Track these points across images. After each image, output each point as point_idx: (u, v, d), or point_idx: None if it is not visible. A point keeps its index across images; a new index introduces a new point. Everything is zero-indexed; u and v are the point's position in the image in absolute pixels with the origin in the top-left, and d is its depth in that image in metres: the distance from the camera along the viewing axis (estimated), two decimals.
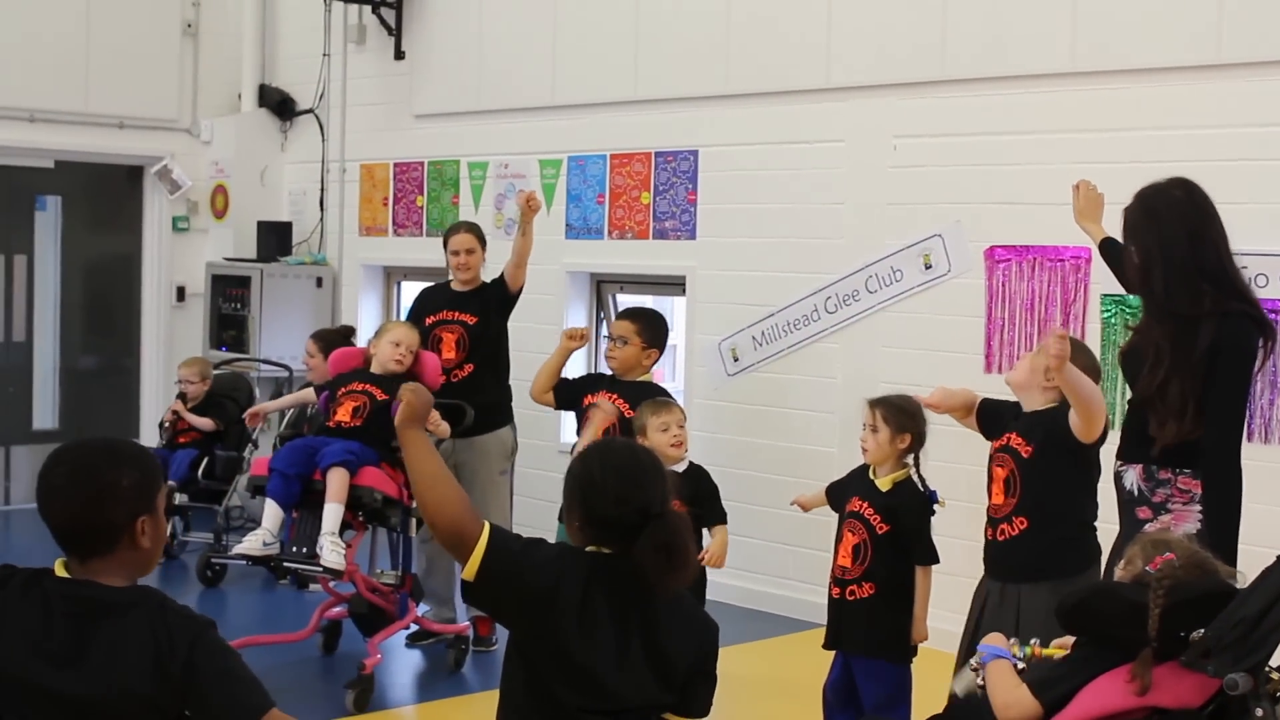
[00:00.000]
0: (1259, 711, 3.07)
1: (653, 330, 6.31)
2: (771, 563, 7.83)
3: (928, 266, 7.36)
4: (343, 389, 6.52)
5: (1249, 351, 4.21)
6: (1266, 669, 3.12)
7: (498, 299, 7.06)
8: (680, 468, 5.65)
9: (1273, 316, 6.13)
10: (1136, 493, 4.28)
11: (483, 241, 7.15)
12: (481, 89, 9.35)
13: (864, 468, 5.27)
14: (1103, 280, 6.72)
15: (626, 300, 9.06)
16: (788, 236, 7.90)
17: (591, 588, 3.18)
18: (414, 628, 6.82)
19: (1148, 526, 4.16)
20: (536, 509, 7.82)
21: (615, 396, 6.12)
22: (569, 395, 6.45)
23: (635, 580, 3.19)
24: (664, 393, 6.29)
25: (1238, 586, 3.26)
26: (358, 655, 6.46)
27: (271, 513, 6.13)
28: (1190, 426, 4.13)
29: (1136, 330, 4.50)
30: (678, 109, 8.38)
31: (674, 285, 8.57)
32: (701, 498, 5.61)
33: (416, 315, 7.18)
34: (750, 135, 8.05)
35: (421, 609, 6.98)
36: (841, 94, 7.67)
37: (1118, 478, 4.33)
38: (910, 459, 5.20)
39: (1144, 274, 4.23)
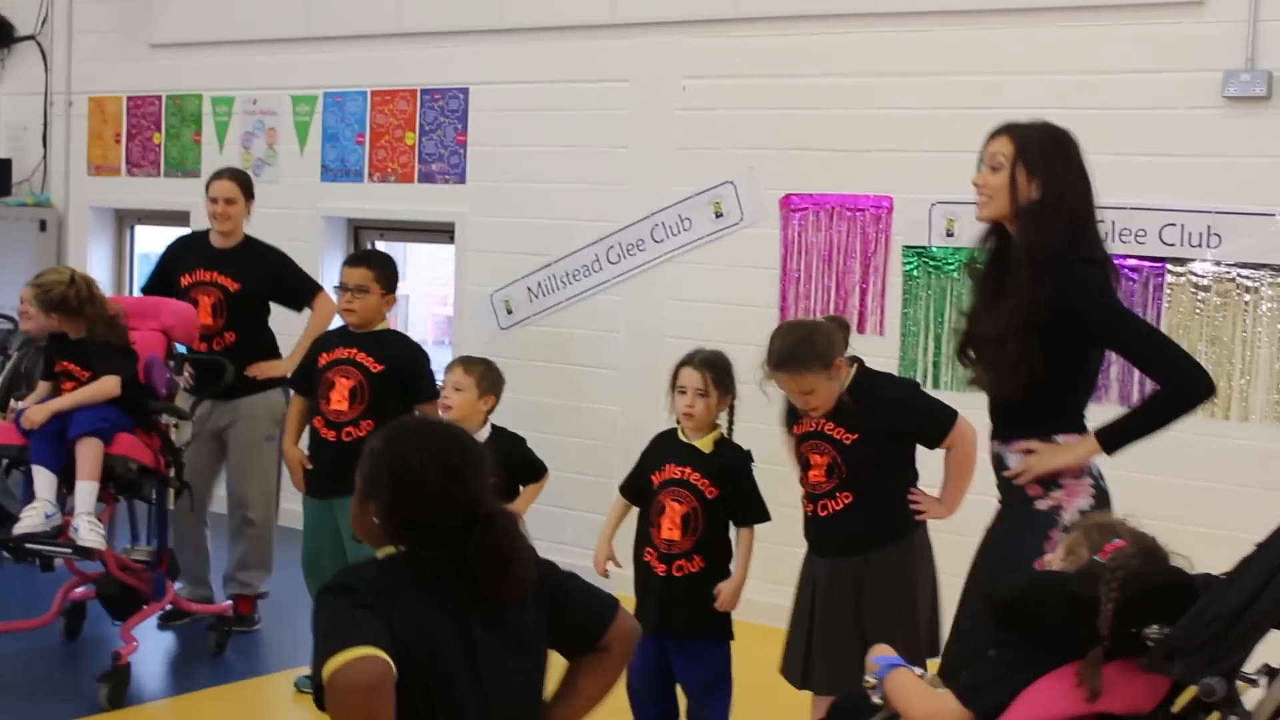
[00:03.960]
0: None
1: (391, 275, 5.73)
2: (549, 528, 7.36)
3: (718, 215, 7.00)
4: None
5: (1112, 294, 3.92)
6: (1240, 672, 2.80)
7: (273, 282, 6.45)
8: (483, 435, 5.18)
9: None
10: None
11: (247, 191, 6.45)
12: (227, 17, 8.60)
13: (671, 433, 4.88)
14: (904, 231, 6.50)
15: (399, 250, 8.49)
16: (567, 182, 7.44)
17: (440, 615, 2.72)
18: (168, 608, 6.16)
19: (1038, 504, 3.84)
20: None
21: (357, 350, 5.57)
22: (307, 377, 5.75)
23: (462, 583, 2.75)
24: (404, 340, 5.81)
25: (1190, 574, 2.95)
26: (105, 641, 5.82)
27: (44, 480, 5.44)
28: (1019, 384, 3.80)
29: (983, 276, 4.10)
30: (446, 43, 7.82)
31: (441, 232, 8.02)
32: (515, 463, 5.20)
33: (168, 270, 6.48)
34: (526, 73, 7.55)
35: (176, 586, 6.33)
36: (626, 30, 7.22)
37: (997, 460, 3.99)
38: (722, 417, 4.85)
39: (1043, 208, 3.85)
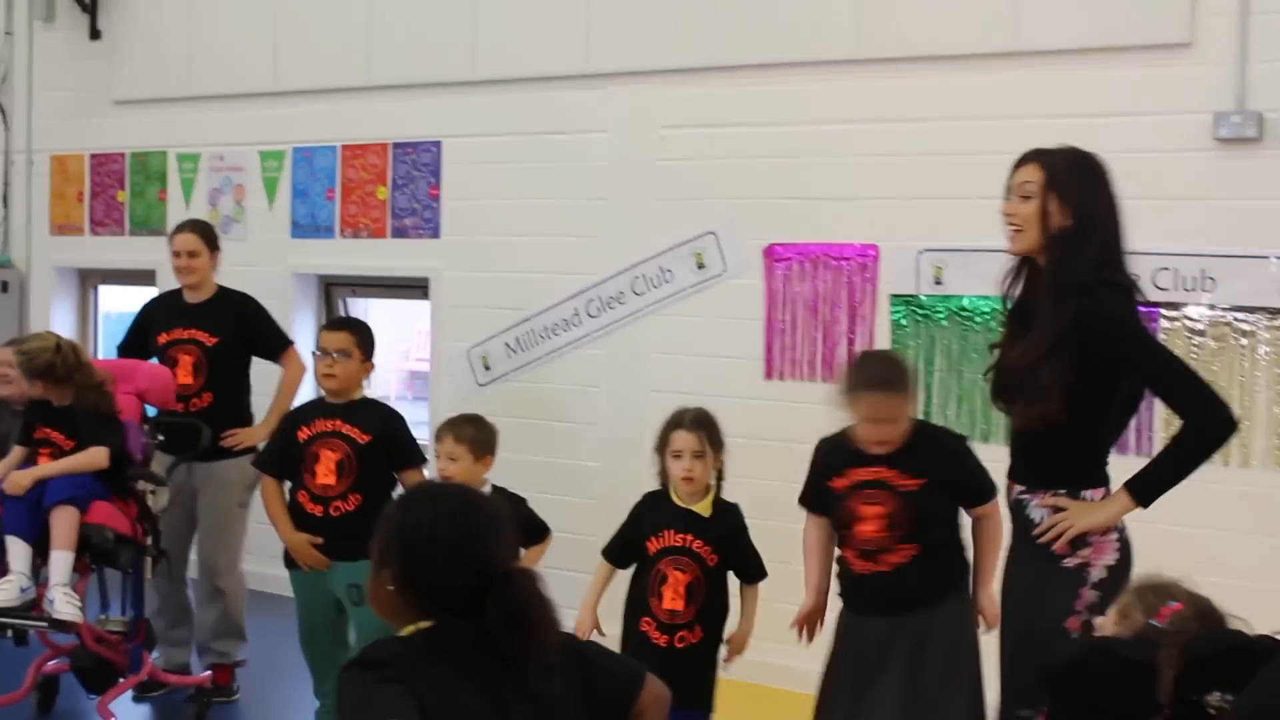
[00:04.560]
0: None
1: (369, 340, 5.59)
2: None
3: (700, 266, 6.89)
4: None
5: (1135, 318, 3.82)
6: None
7: (249, 332, 6.31)
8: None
9: None
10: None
11: (210, 242, 6.31)
12: (192, 72, 8.46)
13: (661, 496, 4.74)
14: (891, 280, 6.41)
15: (360, 306, 8.35)
16: (544, 234, 7.32)
17: (466, 694, 2.56)
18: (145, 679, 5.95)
19: (1065, 562, 3.73)
20: None
21: (341, 422, 5.40)
22: (285, 457, 5.48)
23: (488, 653, 2.59)
24: (386, 409, 5.63)
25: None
26: (79, 715, 5.66)
27: (20, 552, 5.28)
28: (1057, 408, 3.69)
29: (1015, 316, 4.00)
30: (418, 96, 7.70)
31: (415, 288, 7.88)
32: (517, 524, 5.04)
33: (143, 330, 6.32)
34: (501, 125, 7.44)
35: (152, 656, 6.14)
36: (602, 80, 7.12)
37: (1018, 507, 3.87)
38: (714, 476, 4.73)
39: (1076, 235, 3.75)
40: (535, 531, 5.22)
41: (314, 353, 5.58)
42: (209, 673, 6.21)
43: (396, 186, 7.80)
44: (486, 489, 5.11)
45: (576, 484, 7.17)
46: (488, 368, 7.52)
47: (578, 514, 6.92)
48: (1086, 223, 3.75)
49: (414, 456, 5.46)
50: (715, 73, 6.81)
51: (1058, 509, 3.75)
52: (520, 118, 7.37)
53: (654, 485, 6.83)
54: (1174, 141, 5.75)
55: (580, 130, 7.19)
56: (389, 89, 7.78)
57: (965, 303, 6.23)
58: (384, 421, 5.48)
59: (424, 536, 2.63)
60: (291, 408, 5.97)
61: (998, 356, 4.00)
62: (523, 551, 5.11)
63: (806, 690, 4.54)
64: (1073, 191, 3.78)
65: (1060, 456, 3.80)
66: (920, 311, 6.33)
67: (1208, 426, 3.72)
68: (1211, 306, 5.72)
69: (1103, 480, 3.85)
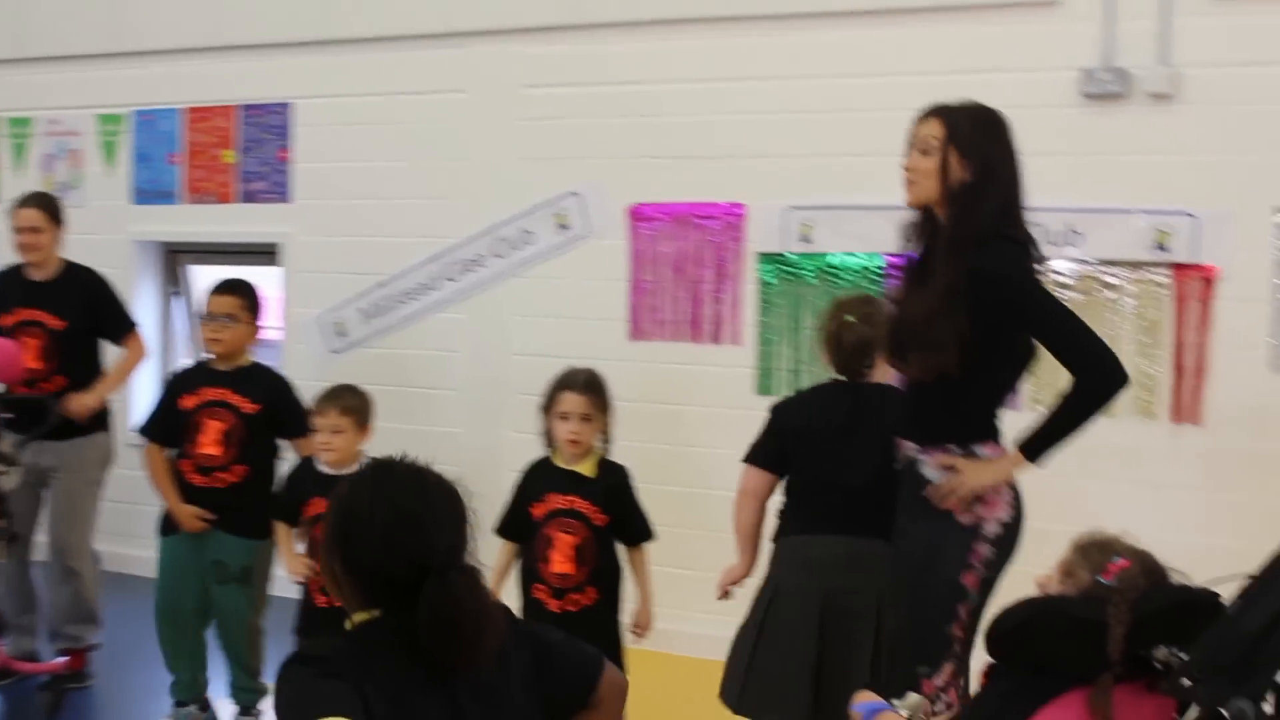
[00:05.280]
0: None
1: (257, 303, 5.42)
2: None
3: (563, 227, 6.77)
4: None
5: (1029, 272, 3.80)
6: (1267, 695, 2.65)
7: (95, 315, 5.99)
8: (349, 470, 4.87)
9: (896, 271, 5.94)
10: (941, 479, 3.79)
11: (55, 217, 5.96)
12: (22, 32, 8.07)
13: (543, 462, 4.64)
14: (758, 238, 6.36)
15: (205, 273, 8.06)
16: (401, 197, 7.14)
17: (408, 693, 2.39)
18: None
19: (960, 518, 3.69)
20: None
21: (228, 391, 5.22)
22: (168, 424, 5.30)
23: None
24: (273, 375, 5.47)
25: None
26: None
27: None
28: (953, 360, 3.66)
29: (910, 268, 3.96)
30: (266, 56, 7.45)
31: (264, 254, 7.63)
32: None
33: None
34: (355, 85, 7.22)
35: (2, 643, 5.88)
36: (461, 39, 6.95)
37: (911, 465, 3.84)
38: (600, 439, 4.64)
39: (975, 190, 3.73)
40: None
41: (201, 317, 5.37)
42: (62, 658, 5.95)
43: (244, 150, 7.55)
44: (363, 460, 4.95)
45: (439, 450, 6.86)
46: (342, 334, 7.32)
47: None
48: (986, 177, 3.73)
49: (303, 424, 5.28)
50: (578, 30, 6.69)
51: (950, 468, 3.72)
52: (376, 78, 7.17)
53: (518, 449, 6.76)
54: (1041, 97, 5.78)
55: (439, 90, 7.02)
56: (236, 49, 7.52)
57: (834, 260, 6.21)
58: (272, 390, 5.32)
59: (361, 521, 2.45)
60: (121, 388, 5.73)
61: (894, 311, 3.96)
62: None
63: (702, 655, 4.49)
64: (973, 146, 3.75)
65: (953, 410, 3.77)
66: (788, 270, 6.30)
67: (1098, 383, 3.70)
68: (1078, 260, 5.77)
69: (994, 434, 3.83)
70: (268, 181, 7.49)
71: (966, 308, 3.64)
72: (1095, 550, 2.92)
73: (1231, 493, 5.60)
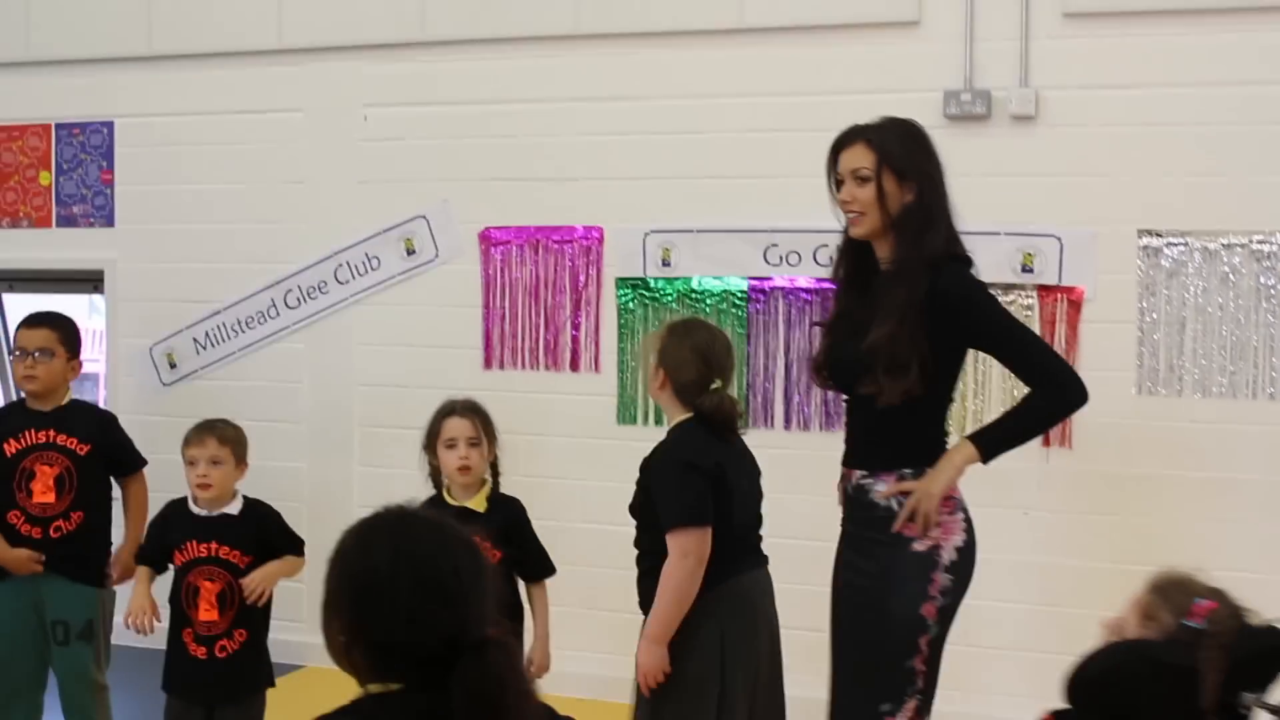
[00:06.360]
0: None
1: (75, 336, 5.01)
2: None
3: (410, 252, 6.53)
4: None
5: (984, 292, 3.73)
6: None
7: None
8: (235, 507, 4.57)
9: (808, 295, 5.86)
10: (896, 505, 3.66)
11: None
12: None
13: (435, 496, 4.42)
14: (616, 263, 6.20)
15: (21, 303, 7.60)
16: (236, 222, 6.82)
17: None
18: None
19: (915, 545, 3.59)
20: None
21: (54, 432, 4.83)
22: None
23: None
24: (98, 412, 5.16)
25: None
26: None
27: None
28: (916, 383, 3.56)
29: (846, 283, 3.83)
30: (85, 72, 7.05)
31: (86, 281, 7.23)
32: (273, 537, 4.61)
33: None
34: (183, 104, 6.87)
35: None
36: (297, 56, 6.66)
37: (860, 491, 3.70)
38: (488, 470, 4.44)
39: (923, 210, 3.62)
40: (292, 545, 4.74)
41: (12, 353, 4.98)
42: None
43: (62, 171, 7.14)
44: (238, 501, 4.64)
45: (280, 486, 6.65)
46: (173, 365, 6.97)
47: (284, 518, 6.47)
48: (930, 194, 3.64)
49: (137, 461, 4.97)
50: (422, 48, 6.46)
51: (903, 494, 3.61)
52: (205, 97, 6.83)
53: (367, 483, 6.53)
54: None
55: (274, 109, 6.73)
56: (50, 64, 7.10)
57: (695, 284, 6.08)
58: (100, 428, 4.99)
59: (380, 589, 2.06)
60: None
61: (826, 337, 3.84)
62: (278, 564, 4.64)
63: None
64: (910, 166, 3.65)
65: (910, 433, 3.68)
66: (648, 294, 6.15)
67: (1059, 397, 3.70)
68: None
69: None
70: (88, 204, 7.09)
71: (925, 330, 3.56)
72: (1176, 590, 2.78)
73: (1101, 515, 5.62)
